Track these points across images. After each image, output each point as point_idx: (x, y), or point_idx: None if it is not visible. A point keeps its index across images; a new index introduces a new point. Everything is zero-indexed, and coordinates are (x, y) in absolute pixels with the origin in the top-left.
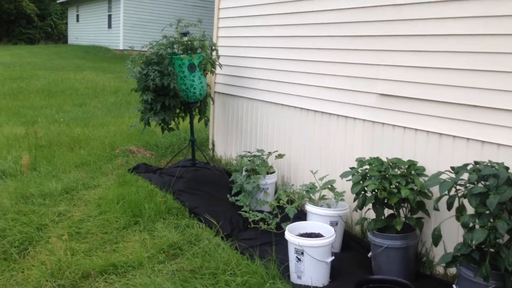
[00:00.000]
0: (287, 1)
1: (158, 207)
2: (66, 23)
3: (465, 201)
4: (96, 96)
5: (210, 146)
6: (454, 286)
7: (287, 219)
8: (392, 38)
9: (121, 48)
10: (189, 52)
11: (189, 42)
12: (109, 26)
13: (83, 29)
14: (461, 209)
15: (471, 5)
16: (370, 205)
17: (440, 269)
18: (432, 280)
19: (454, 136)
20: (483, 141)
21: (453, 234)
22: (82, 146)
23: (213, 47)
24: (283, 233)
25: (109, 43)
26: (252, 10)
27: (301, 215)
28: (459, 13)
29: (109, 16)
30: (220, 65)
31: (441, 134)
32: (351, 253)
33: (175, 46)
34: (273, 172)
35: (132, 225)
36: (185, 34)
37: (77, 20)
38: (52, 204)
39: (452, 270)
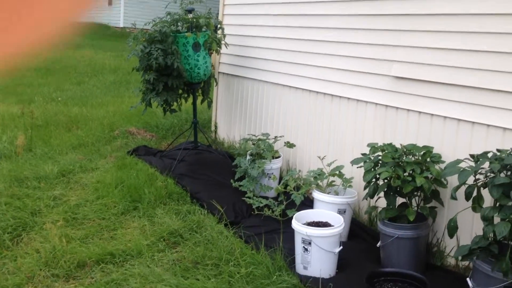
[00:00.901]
0: None
1: (158, 192)
2: None
3: (484, 191)
4: (95, 74)
5: (213, 128)
6: (468, 279)
7: (292, 206)
8: (409, 17)
9: (121, 25)
10: (194, 30)
11: (194, 20)
12: (109, 2)
13: None
14: (478, 200)
15: None
16: (380, 193)
17: (451, 261)
18: (443, 272)
19: (473, 122)
20: (505, 128)
21: (467, 225)
22: (80, 126)
23: (219, 25)
24: (288, 221)
25: (109, 20)
26: None
27: (308, 202)
28: None
29: None
30: (226, 45)
31: (459, 120)
32: (358, 242)
33: (179, 23)
34: (279, 157)
35: (131, 211)
36: (190, 11)
37: None
38: (48, 187)
39: (464, 262)
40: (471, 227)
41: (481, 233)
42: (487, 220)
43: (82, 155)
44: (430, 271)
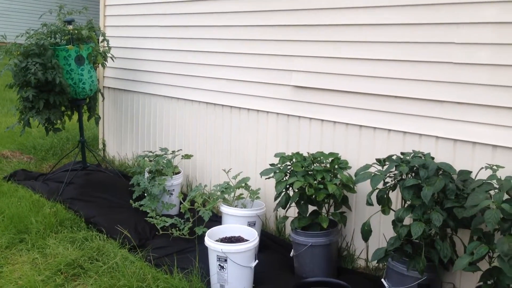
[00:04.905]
0: None
1: (47, 219)
2: None
3: (391, 194)
4: None
5: (101, 146)
6: (383, 280)
7: (200, 223)
8: (305, 28)
9: None
10: (75, 42)
11: (75, 31)
12: None
13: None
14: (387, 202)
15: None
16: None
17: (361, 262)
18: (356, 275)
19: (374, 128)
20: (404, 132)
21: (374, 228)
22: None
23: (103, 37)
24: (197, 239)
25: None
26: None
27: (215, 218)
28: (372, 3)
29: None
30: (113, 57)
31: (360, 126)
32: (270, 253)
33: (57, 35)
34: (179, 172)
35: (17, 244)
36: (69, 22)
37: None
38: None
39: (374, 263)
40: (378, 230)
41: (388, 234)
42: (401, 221)
43: None
44: (343, 275)
